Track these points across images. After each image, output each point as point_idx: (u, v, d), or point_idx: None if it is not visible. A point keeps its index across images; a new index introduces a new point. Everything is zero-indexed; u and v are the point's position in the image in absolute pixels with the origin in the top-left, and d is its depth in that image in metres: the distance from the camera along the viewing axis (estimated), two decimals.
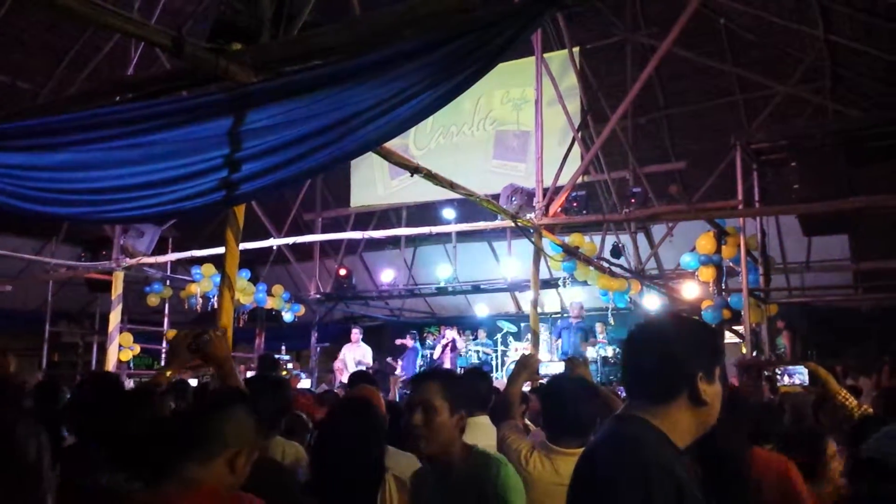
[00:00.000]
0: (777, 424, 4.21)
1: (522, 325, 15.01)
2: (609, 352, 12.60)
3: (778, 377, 7.05)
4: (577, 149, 10.63)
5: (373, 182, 15.14)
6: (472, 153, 13.94)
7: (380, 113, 3.58)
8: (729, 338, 10.43)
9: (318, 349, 16.41)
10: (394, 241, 15.66)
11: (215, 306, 5.77)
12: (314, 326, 16.39)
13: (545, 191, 9.29)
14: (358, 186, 15.40)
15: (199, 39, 4.03)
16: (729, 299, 9.82)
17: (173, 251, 12.58)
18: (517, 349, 14.14)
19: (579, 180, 9.97)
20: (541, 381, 6.23)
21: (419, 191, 13.10)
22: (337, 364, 13.13)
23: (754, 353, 8.95)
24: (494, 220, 9.28)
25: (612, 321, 12.63)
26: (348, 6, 7.48)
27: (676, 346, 1.73)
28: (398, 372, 14.08)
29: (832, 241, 12.42)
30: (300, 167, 3.80)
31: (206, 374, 7.29)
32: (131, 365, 13.74)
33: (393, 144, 5.78)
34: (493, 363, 14.61)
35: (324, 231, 14.68)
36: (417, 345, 14.77)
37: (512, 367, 11.78)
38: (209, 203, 3.99)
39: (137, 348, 13.23)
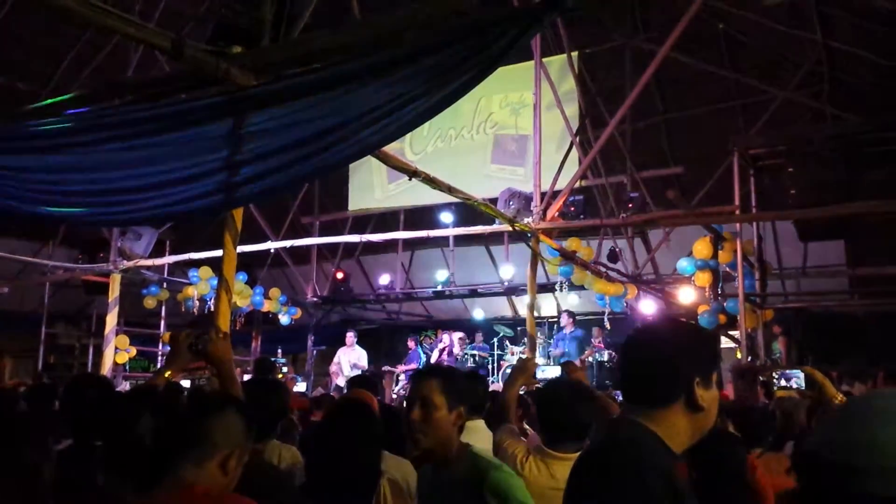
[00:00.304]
0: (769, 429, 4.23)
1: (519, 329, 15.00)
2: (605, 356, 12.59)
3: (775, 381, 7.05)
4: (575, 153, 10.64)
5: (371, 186, 15.14)
6: (470, 157, 13.94)
7: (379, 116, 3.58)
8: (725, 343, 10.44)
9: (315, 352, 16.37)
10: (391, 245, 15.65)
11: (212, 309, 5.77)
12: (311, 330, 16.36)
13: (543, 195, 9.30)
14: (356, 190, 15.40)
15: (200, 42, 4.03)
16: (725, 304, 9.83)
17: (171, 254, 12.59)
18: (513, 353, 14.13)
19: (577, 185, 9.98)
20: (537, 385, 6.23)
21: (417, 195, 13.09)
22: (332, 367, 13.12)
23: (749, 359, 8.96)
24: (492, 224, 9.29)
25: (608, 326, 12.63)
26: (349, 10, 7.48)
27: (673, 351, 1.73)
28: (401, 376, 14.04)
29: (829, 247, 12.43)
30: (299, 170, 3.81)
31: (203, 377, 7.28)
32: (127, 367, 13.70)
33: (389, 149, 5.78)
34: (490, 367, 14.58)
35: (321, 234, 14.69)
36: (419, 348, 14.75)
37: (508, 371, 11.78)
38: (208, 206, 3.99)
39: (134, 351, 13.22)
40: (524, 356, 11.03)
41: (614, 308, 12.09)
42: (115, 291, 11.89)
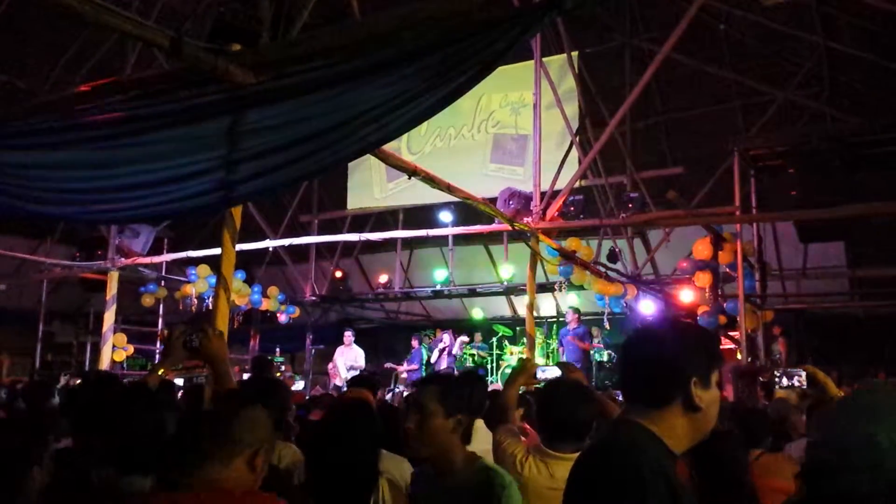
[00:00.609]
0: (768, 431, 4.22)
1: (518, 328, 14.99)
2: (605, 356, 12.58)
3: (776, 379, 7.03)
4: (574, 153, 10.64)
5: (369, 184, 15.12)
6: (470, 156, 13.92)
7: (379, 115, 3.56)
8: (724, 344, 10.43)
9: (313, 351, 16.37)
10: (390, 244, 15.64)
11: (210, 307, 5.76)
12: (309, 328, 16.37)
13: (542, 195, 9.30)
14: (354, 189, 15.37)
15: (198, 39, 4.01)
16: (725, 305, 9.82)
17: (169, 252, 12.58)
18: (512, 353, 14.12)
19: (577, 184, 9.97)
20: (537, 384, 6.22)
21: (416, 194, 13.08)
22: (330, 367, 13.11)
23: (749, 359, 8.95)
24: (491, 224, 9.28)
25: (607, 326, 12.63)
26: (348, 9, 7.47)
27: (670, 351, 1.72)
28: (403, 374, 14.03)
29: (828, 248, 12.44)
30: (298, 169, 3.79)
31: (199, 376, 7.24)
32: (125, 365, 13.70)
33: (388, 147, 5.77)
34: (489, 367, 14.58)
35: (320, 233, 14.66)
36: (422, 347, 14.74)
37: (507, 370, 11.77)
38: (206, 204, 3.98)
39: (131, 349, 13.21)
40: (523, 356, 11.04)
41: (614, 308, 12.08)
42: (112, 289, 11.88)
